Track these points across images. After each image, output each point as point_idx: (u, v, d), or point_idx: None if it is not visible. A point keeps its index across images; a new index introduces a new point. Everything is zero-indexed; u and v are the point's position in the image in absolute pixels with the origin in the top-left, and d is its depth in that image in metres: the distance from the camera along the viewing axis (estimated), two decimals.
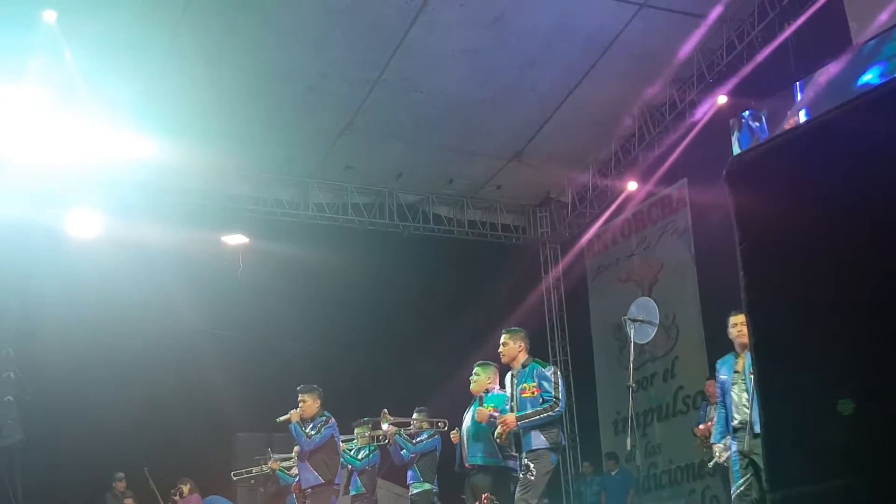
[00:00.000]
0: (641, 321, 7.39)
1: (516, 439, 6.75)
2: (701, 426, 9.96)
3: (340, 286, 12.22)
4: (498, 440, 6.76)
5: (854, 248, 1.89)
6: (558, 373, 6.82)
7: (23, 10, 9.09)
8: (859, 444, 1.76)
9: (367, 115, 11.50)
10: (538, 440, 6.54)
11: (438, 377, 11.65)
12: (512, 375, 6.89)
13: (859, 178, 1.92)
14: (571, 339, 14.29)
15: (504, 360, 6.90)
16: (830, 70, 9.62)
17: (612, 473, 12.23)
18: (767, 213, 2.10)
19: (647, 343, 9.42)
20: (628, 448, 7.60)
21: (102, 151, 10.63)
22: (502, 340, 6.91)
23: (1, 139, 9.95)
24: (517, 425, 6.56)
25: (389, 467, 9.79)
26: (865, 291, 1.85)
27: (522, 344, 6.89)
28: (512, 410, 6.73)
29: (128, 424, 11.23)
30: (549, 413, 6.53)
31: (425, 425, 8.91)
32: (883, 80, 8.53)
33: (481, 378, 7.22)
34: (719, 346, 10.96)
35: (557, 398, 6.55)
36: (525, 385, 6.71)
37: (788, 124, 10.07)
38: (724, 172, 2.20)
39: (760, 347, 1.99)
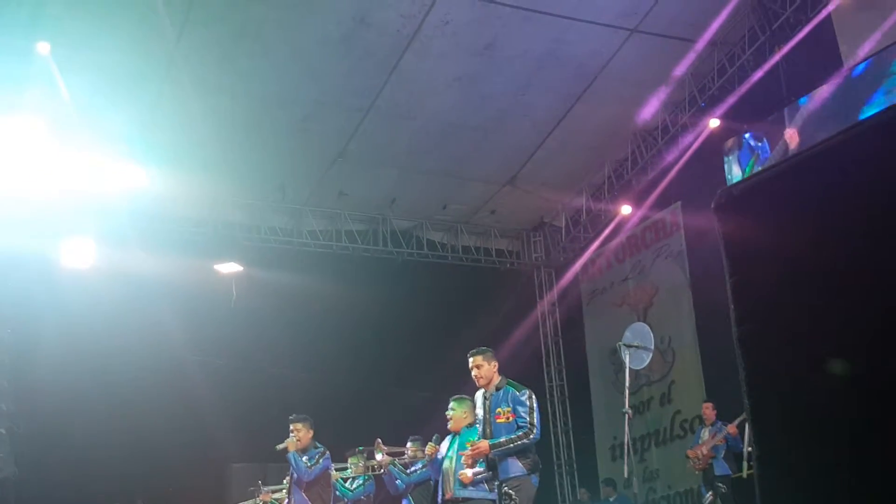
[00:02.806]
0: (636, 347, 7.37)
1: (491, 466, 6.51)
2: (696, 449, 9.96)
3: (335, 313, 12.18)
4: (465, 466, 6.61)
5: (845, 281, 1.88)
6: (533, 397, 6.56)
7: (17, 42, 9.11)
8: (855, 482, 1.74)
9: (360, 142, 11.53)
10: (515, 467, 6.35)
11: (433, 405, 11.51)
12: (485, 397, 6.66)
13: (850, 211, 1.91)
14: (567, 364, 14.26)
15: (481, 383, 6.63)
16: (824, 94, 9.66)
17: (610, 500, 12.15)
18: (757, 247, 2.09)
19: (643, 368, 9.41)
20: (626, 475, 7.54)
21: (97, 181, 10.61)
22: (476, 363, 6.61)
23: None
24: (491, 453, 6.37)
25: (384, 497, 9.70)
26: (858, 324, 1.84)
27: (496, 364, 6.68)
28: (485, 434, 6.53)
29: (122, 456, 11.14)
30: (524, 441, 6.33)
31: (420, 454, 8.83)
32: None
33: (457, 413, 7.08)
34: (716, 369, 11.01)
35: (533, 425, 6.35)
36: (500, 409, 6.49)
37: (788, 136, 10.10)
38: (712, 205, 2.19)
39: (752, 381, 1.97)
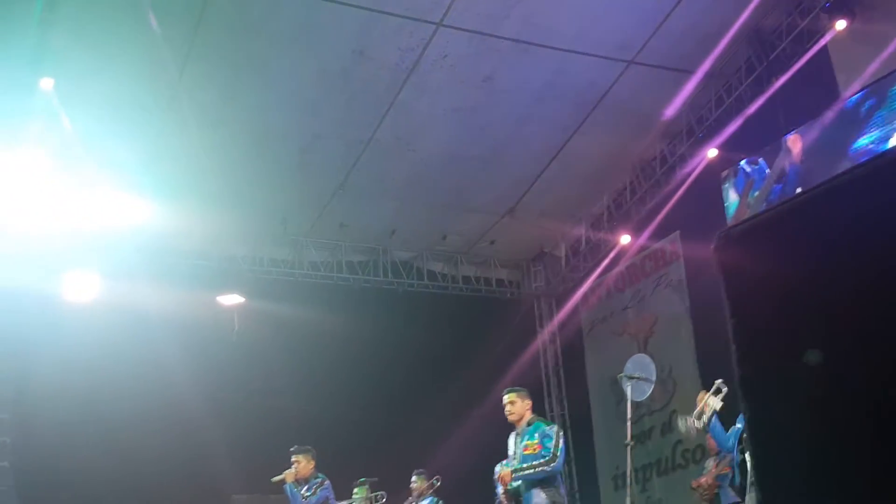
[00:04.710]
0: (638, 378, 7.41)
1: (515, 498, 6.75)
2: (701, 479, 9.91)
3: (335, 344, 12.20)
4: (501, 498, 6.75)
5: (848, 321, 1.91)
6: (560, 432, 6.90)
7: (20, 76, 9.19)
8: None
9: (360, 173, 11.60)
10: (539, 498, 6.59)
11: (437, 435, 11.60)
12: (516, 434, 6.99)
13: (852, 252, 1.92)
14: (568, 394, 14.23)
15: (512, 418, 6.97)
16: (823, 124, 9.73)
17: None
18: (757, 287, 2.12)
19: (644, 398, 9.42)
20: None
21: (99, 215, 10.68)
22: (510, 399, 6.96)
23: None
24: (512, 478, 6.62)
25: None
26: (861, 364, 1.86)
27: (529, 402, 7.04)
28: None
29: (124, 488, 11.09)
30: (545, 467, 6.60)
31: (425, 489, 8.85)
32: (881, 147, 8.65)
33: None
34: None
35: (555, 454, 6.62)
36: (528, 442, 6.83)
37: (790, 141, 10.11)
38: (712, 246, 2.22)
39: (753, 422, 2.00)
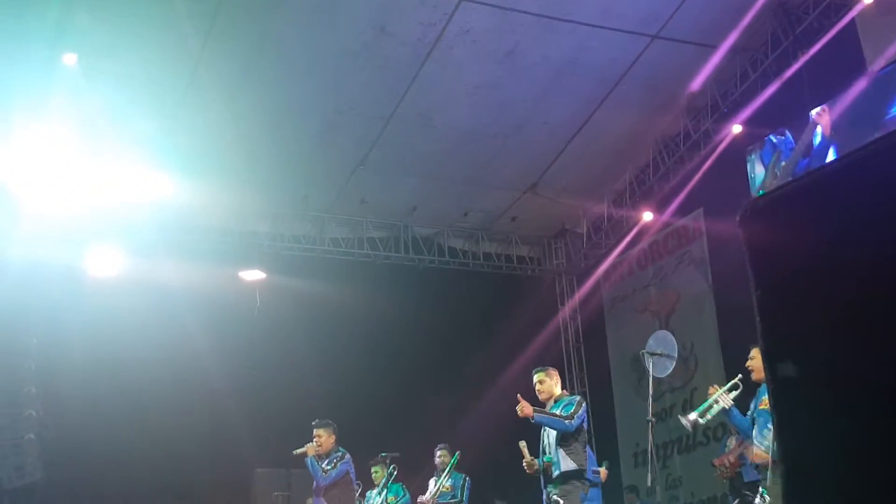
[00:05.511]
0: (660, 355, 7.41)
1: (545, 474, 6.93)
2: (723, 457, 9.88)
3: (356, 320, 12.25)
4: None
5: (875, 294, 1.88)
6: (582, 402, 7.13)
7: (43, 52, 9.23)
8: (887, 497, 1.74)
9: (381, 150, 11.59)
10: (566, 463, 6.80)
11: (457, 411, 11.64)
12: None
13: (883, 224, 1.89)
14: (589, 371, 14.22)
15: (542, 397, 7.14)
16: (853, 96, 9.54)
17: None
18: (783, 259, 2.09)
19: (666, 375, 9.40)
20: (649, 482, 7.54)
21: (122, 190, 10.75)
22: (539, 379, 7.15)
23: (22, 178, 10.07)
24: (533, 414, 6.78)
25: None
26: (887, 336, 1.84)
27: (558, 380, 7.25)
28: (544, 452, 7.06)
29: (147, 462, 11.24)
30: (561, 421, 6.81)
31: (448, 460, 8.92)
32: None
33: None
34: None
35: (571, 417, 6.83)
36: (554, 413, 7.02)
37: (816, 115, 9.90)
38: (737, 217, 2.19)
39: (778, 396, 1.98)
